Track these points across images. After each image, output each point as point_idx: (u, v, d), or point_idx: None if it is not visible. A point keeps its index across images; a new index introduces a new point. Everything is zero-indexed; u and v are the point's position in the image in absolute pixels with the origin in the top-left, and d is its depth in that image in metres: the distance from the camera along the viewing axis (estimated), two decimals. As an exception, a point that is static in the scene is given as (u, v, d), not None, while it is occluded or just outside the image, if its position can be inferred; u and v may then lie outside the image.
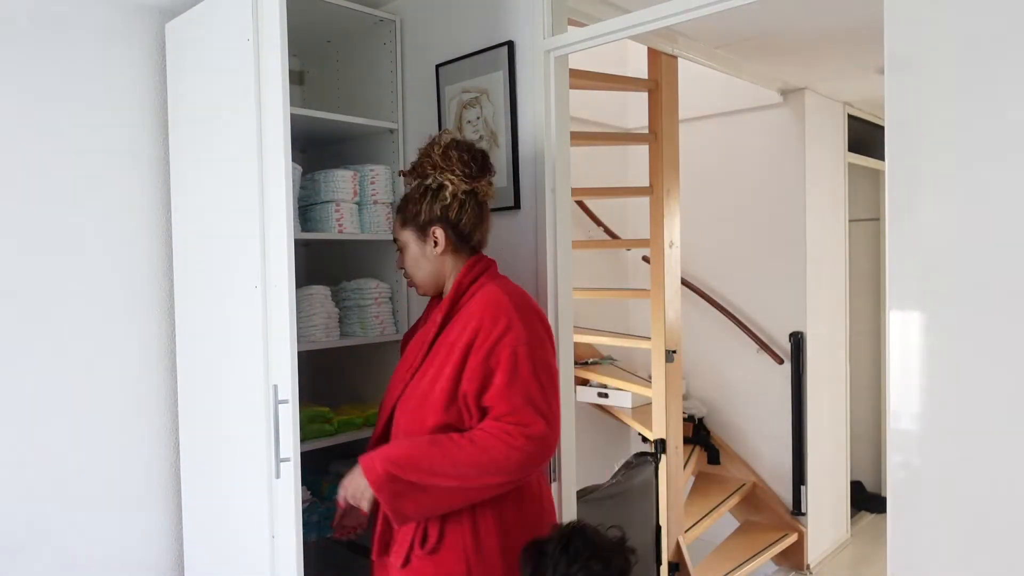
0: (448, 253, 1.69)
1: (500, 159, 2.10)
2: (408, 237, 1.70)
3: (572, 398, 2.10)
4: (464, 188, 1.65)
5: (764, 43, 2.93)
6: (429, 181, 1.67)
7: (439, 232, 1.66)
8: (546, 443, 1.51)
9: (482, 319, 1.55)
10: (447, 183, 1.65)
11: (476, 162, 1.67)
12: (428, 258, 1.69)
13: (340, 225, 2.21)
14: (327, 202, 2.20)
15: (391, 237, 2.32)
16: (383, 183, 2.32)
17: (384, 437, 1.70)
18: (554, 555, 1.34)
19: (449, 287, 1.69)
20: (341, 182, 2.21)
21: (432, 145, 1.69)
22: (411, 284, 1.76)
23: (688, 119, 3.54)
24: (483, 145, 2.14)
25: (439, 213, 1.66)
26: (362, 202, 2.29)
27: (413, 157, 2.36)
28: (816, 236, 3.71)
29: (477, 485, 1.50)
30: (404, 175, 1.75)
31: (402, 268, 1.76)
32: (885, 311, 1.46)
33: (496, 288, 1.60)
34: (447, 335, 1.62)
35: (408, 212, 1.70)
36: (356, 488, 1.58)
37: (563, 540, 1.36)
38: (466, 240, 1.69)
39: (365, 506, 1.57)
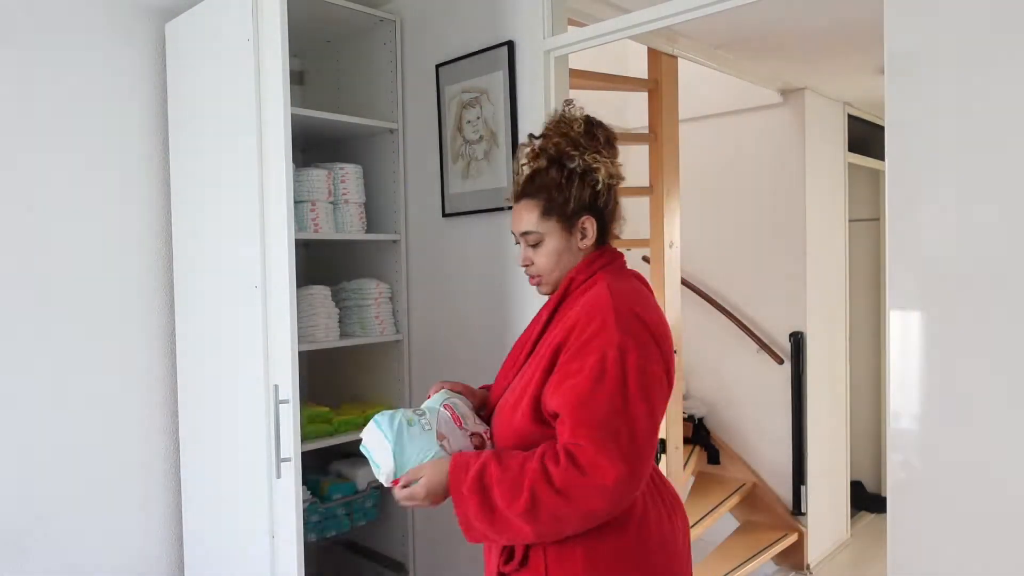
0: (589, 242, 1.45)
1: (500, 159, 2.10)
2: (550, 228, 1.43)
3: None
4: (613, 172, 1.44)
5: (764, 43, 2.93)
6: (574, 164, 1.42)
7: (589, 223, 1.43)
8: (618, 494, 1.23)
9: (578, 318, 1.34)
10: (599, 166, 1.42)
11: (614, 142, 1.48)
12: (573, 252, 1.45)
13: (315, 225, 2.20)
14: (302, 201, 2.19)
15: (365, 238, 2.32)
16: (353, 182, 2.31)
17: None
18: None
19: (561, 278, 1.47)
20: (316, 181, 2.21)
21: (566, 121, 1.45)
22: (535, 281, 1.49)
23: (688, 119, 3.54)
24: (483, 145, 2.14)
25: (588, 201, 1.43)
26: (335, 201, 2.28)
27: (414, 156, 2.39)
28: (816, 236, 3.71)
29: (549, 532, 1.27)
30: (532, 155, 1.48)
31: (528, 265, 1.48)
32: (885, 311, 1.46)
33: (604, 287, 1.36)
34: (549, 334, 1.41)
35: (552, 200, 1.42)
36: (433, 485, 1.32)
37: None
38: (606, 233, 1.48)
39: (425, 503, 1.33)
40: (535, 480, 1.24)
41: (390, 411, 1.37)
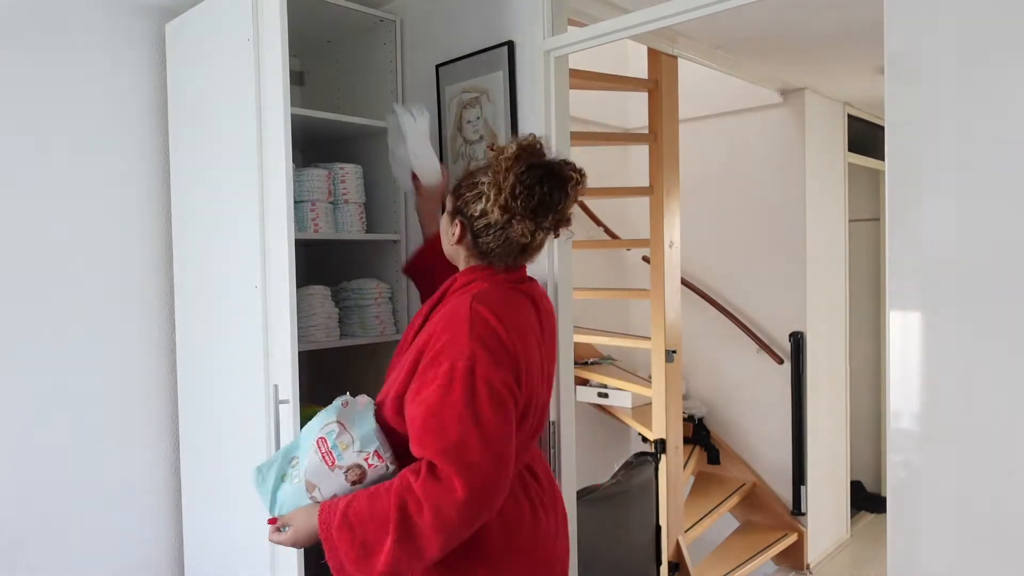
0: (463, 248, 1.52)
1: (500, 159, 2.10)
2: (447, 203, 1.57)
3: (572, 398, 2.10)
4: (496, 217, 1.43)
5: (764, 43, 2.93)
6: (479, 188, 1.47)
7: (459, 226, 1.51)
8: (472, 507, 1.25)
9: (437, 324, 1.39)
10: (484, 199, 1.45)
11: (530, 202, 1.40)
12: (447, 238, 1.56)
13: (316, 225, 2.20)
14: (302, 201, 2.18)
15: (365, 238, 2.33)
16: (353, 182, 2.31)
17: None
18: None
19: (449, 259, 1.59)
20: (316, 181, 2.20)
21: (507, 155, 1.43)
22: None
23: (688, 119, 3.54)
24: (483, 145, 2.14)
25: (469, 213, 1.49)
26: (335, 201, 2.28)
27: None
28: (816, 236, 3.71)
29: (422, 547, 1.28)
30: (490, 149, 1.53)
31: None
32: (885, 311, 1.46)
33: (469, 297, 1.40)
34: (422, 333, 1.45)
35: (458, 186, 1.54)
36: (299, 535, 1.40)
37: None
38: (483, 256, 1.51)
39: (297, 545, 1.42)
40: (400, 497, 1.27)
41: (267, 463, 1.46)
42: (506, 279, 1.50)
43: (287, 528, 1.41)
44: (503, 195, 1.40)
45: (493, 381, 1.30)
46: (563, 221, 1.48)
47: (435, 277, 1.72)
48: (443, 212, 1.59)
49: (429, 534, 1.25)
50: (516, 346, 1.37)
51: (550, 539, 1.50)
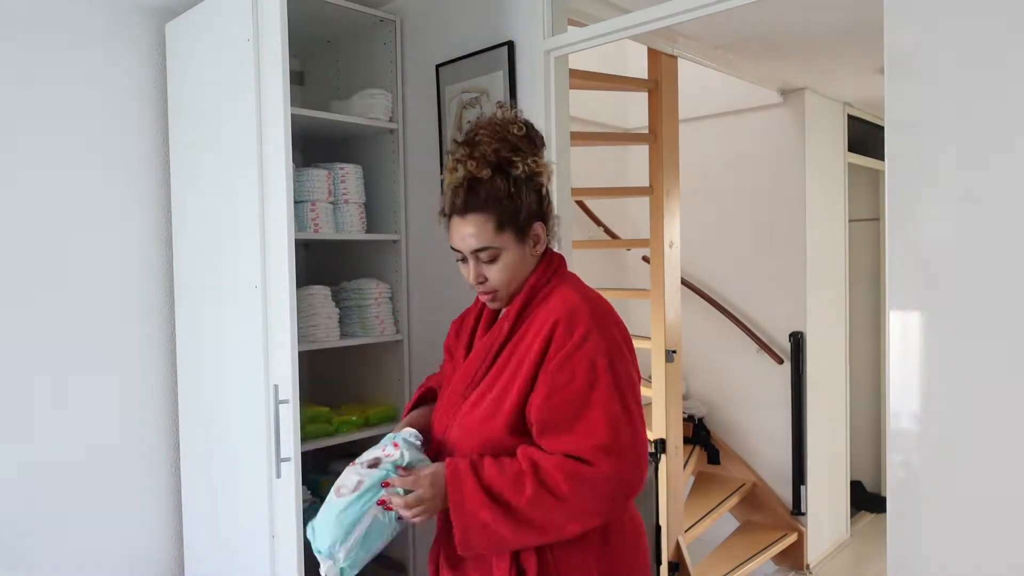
0: (539, 249, 1.39)
1: (500, 159, 2.10)
2: (506, 241, 1.33)
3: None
4: (551, 173, 1.38)
5: (764, 43, 2.93)
6: (519, 171, 1.33)
7: (540, 229, 1.37)
8: (621, 495, 1.24)
9: (555, 326, 1.28)
10: (541, 171, 1.35)
11: (544, 144, 1.39)
12: (527, 261, 1.37)
13: (316, 225, 2.20)
14: (302, 201, 2.19)
15: (365, 238, 2.32)
16: (353, 182, 2.31)
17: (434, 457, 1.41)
18: None
19: (515, 290, 1.39)
20: (316, 181, 2.21)
21: (503, 125, 1.34)
22: (489, 297, 1.39)
23: (688, 119, 3.54)
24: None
25: (536, 207, 1.36)
26: (335, 202, 2.28)
27: (414, 156, 2.39)
28: (816, 236, 3.71)
29: (554, 536, 1.24)
30: (468, 160, 1.33)
31: (482, 282, 1.37)
32: (885, 311, 1.46)
33: (572, 292, 1.33)
34: (516, 343, 1.34)
35: (504, 211, 1.32)
36: (428, 495, 1.26)
37: None
38: (551, 236, 1.42)
39: (422, 519, 1.27)
40: (538, 471, 1.22)
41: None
42: (566, 269, 1.44)
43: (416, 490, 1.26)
44: (542, 152, 1.36)
45: (631, 378, 1.28)
46: None
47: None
48: (485, 250, 1.34)
49: (566, 511, 1.22)
50: (630, 339, 1.34)
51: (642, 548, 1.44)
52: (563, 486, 1.21)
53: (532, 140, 1.36)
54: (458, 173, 1.34)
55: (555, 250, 1.46)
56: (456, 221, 1.34)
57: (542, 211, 1.38)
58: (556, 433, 1.25)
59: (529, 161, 1.34)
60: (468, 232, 1.33)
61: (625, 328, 1.34)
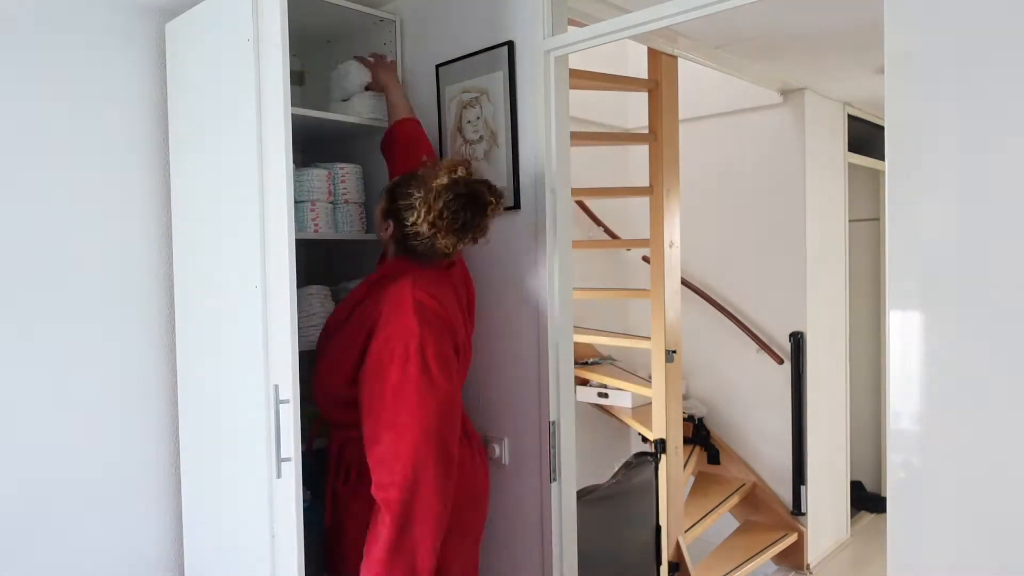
0: (392, 243, 1.86)
1: (500, 159, 2.10)
2: (381, 199, 1.90)
3: (572, 398, 2.11)
4: (424, 231, 1.75)
5: (764, 43, 2.93)
6: (411, 200, 1.76)
7: (391, 226, 1.84)
8: (418, 463, 1.63)
9: (384, 306, 1.73)
10: (415, 214, 1.75)
11: (456, 223, 1.73)
12: (379, 230, 1.90)
13: (316, 225, 2.20)
14: (302, 201, 2.19)
15: (365, 238, 2.34)
16: (353, 182, 2.31)
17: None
18: None
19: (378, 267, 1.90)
20: (316, 181, 2.21)
21: (432, 180, 1.74)
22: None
23: (688, 119, 3.54)
24: (483, 145, 2.14)
25: (401, 218, 1.80)
26: (335, 202, 2.28)
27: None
28: (816, 236, 3.71)
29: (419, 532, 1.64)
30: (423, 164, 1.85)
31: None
32: (885, 311, 1.46)
33: (408, 285, 1.74)
34: (362, 311, 1.80)
35: (393, 191, 1.85)
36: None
37: None
38: (411, 253, 1.82)
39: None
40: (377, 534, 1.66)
41: None
42: (433, 266, 1.83)
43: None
44: (432, 215, 1.71)
45: (442, 355, 1.68)
46: (481, 236, 1.80)
47: (396, 148, 2.16)
48: (379, 204, 1.89)
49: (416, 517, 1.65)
50: (449, 319, 1.75)
51: (479, 472, 1.90)
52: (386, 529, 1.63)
53: (437, 208, 1.75)
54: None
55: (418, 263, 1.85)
56: None
57: (402, 226, 1.80)
58: (366, 412, 1.72)
59: (417, 207, 1.76)
60: None
61: (446, 309, 1.76)
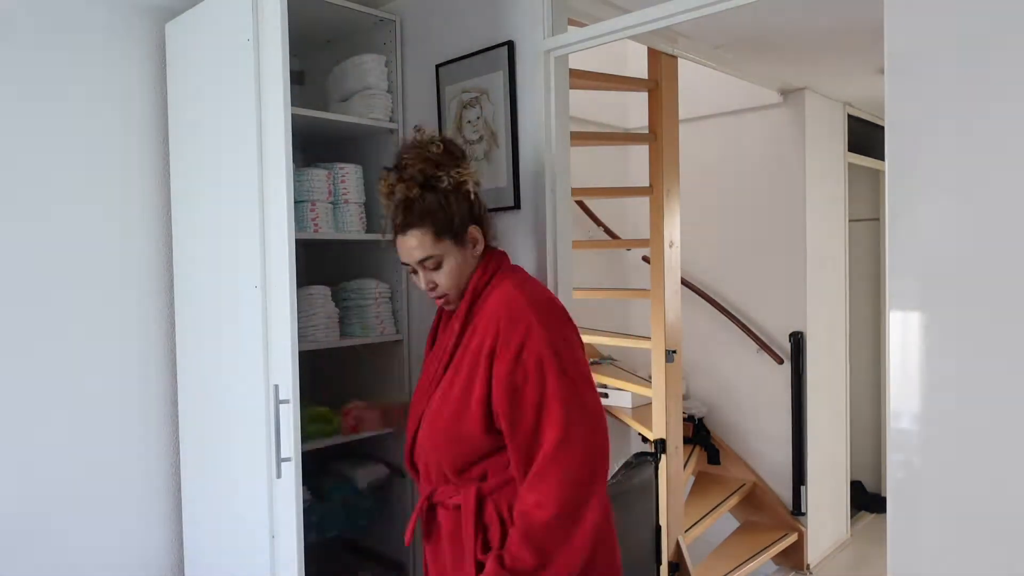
0: (480, 247, 1.58)
1: (500, 159, 2.10)
2: (446, 248, 1.52)
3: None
4: (477, 179, 1.55)
5: (764, 43, 2.93)
6: (445, 184, 1.51)
7: (476, 231, 1.55)
8: (591, 463, 1.38)
9: (499, 321, 1.44)
10: (466, 178, 1.52)
11: (465, 154, 1.58)
12: (469, 262, 1.56)
13: (316, 225, 2.20)
14: (302, 201, 2.19)
15: (365, 238, 2.33)
16: (353, 182, 2.31)
17: (412, 449, 1.64)
18: None
19: (465, 289, 1.57)
20: (316, 181, 2.21)
21: (423, 145, 1.53)
22: (442, 300, 1.59)
23: (688, 119, 3.54)
24: (483, 145, 2.14)
25: (468, 212, 1.54)
26: (335, 202, 2.28)
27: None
28: (816, 236, 3.71)
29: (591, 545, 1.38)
30: (399, 184, 1.52)
31: (433, 288, 1.57)
32: (885, 311, 1.46)
33: (510, 287, 1.49)
34: (468, 342, 1.51)
35: (439, 221, 1.50)
36: None
37: None
38: (487, 236, 1.59)
39: None
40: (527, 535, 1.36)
41: None
42: (509, 262, 1.62)
43: None
44: (463, 162, 1.54)
45: (577, 359, 1.43)
46: None
47: None
48: (429, 259, 1.53)
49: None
50: (568, 314, 1.51)
51: None
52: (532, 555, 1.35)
53: (452, 153, 1.54)
54: (394, 196, 1.53)
55: (497, 247, 1.64)
56: (400, 238, 1.54)
57: (474, 215, 1.55)
58: (520, 433, 1.40)
59: (452, 173, 1.52)
60: (412, 246, 1.52)
61: (566, 313, 1.50)
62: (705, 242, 3.95)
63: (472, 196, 1.54)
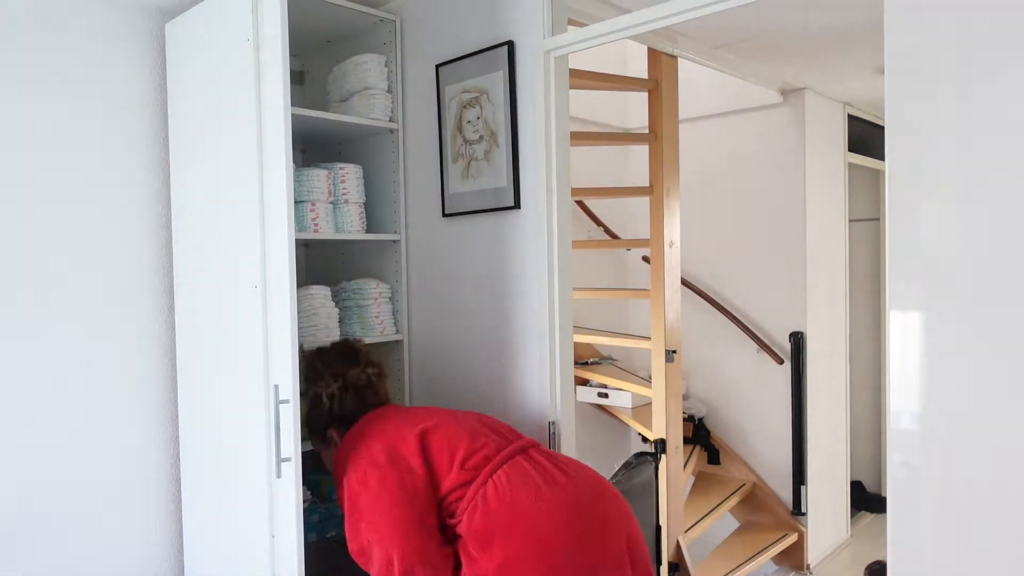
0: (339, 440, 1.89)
1: (500, 159, 2.10)
2: (318, 446, 1.99)
3: (572, 398, 2.11)
4: (335, 388, 1.88)
5: (764, 43, 2.93)
6: (310, 394, 1.90)
7: (335, 433, 1.89)
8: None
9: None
10: (320, 390, 1.89)
11: (341, 359, 1.91)
12: (332, 456, 1.91)
13: (316, 225, 2.21)
14: (302, 201, 2.19)
15: (365, 238, 2.35)
16: (353, 182, 2.31)
17: None
18: None
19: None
20: (316, 181, 2.21)
21: (309, 360, 1.94)
22: None
23: (688, 119, 3.54)
24: (483, 145, 2.14)
25: (326, 418, 1.90)
26: (335, 201, 2.28)
27: (414, 156, 2.39)
28: (816, 236, 3.71)
29: None
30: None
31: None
32: (885, 311, 1.46)
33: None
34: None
35: (311, 427, 1.94)
36: None
37: None
38: (352, 422, 1.86)
39: None
40: None
41: None
42: (355, 433, 1.88)
43: None
44: (325, 375, 1.93)
45: (365, 481, 1.70)
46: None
47: None
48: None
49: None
50: (389, 446, 1.75)
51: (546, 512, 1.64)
52: None
53: (315, 369, 1.96)
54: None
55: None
56: None
57: (332, 418, 1.90)
58: None
59: (311, 387, 1.92)
60: None
61: (385, 441, 1.73)
62: (705, 242, 3.95)
63: (326, 404, 1.90)
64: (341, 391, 1.89)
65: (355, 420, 1.86)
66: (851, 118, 3.99)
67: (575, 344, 2.19)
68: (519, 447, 1.69)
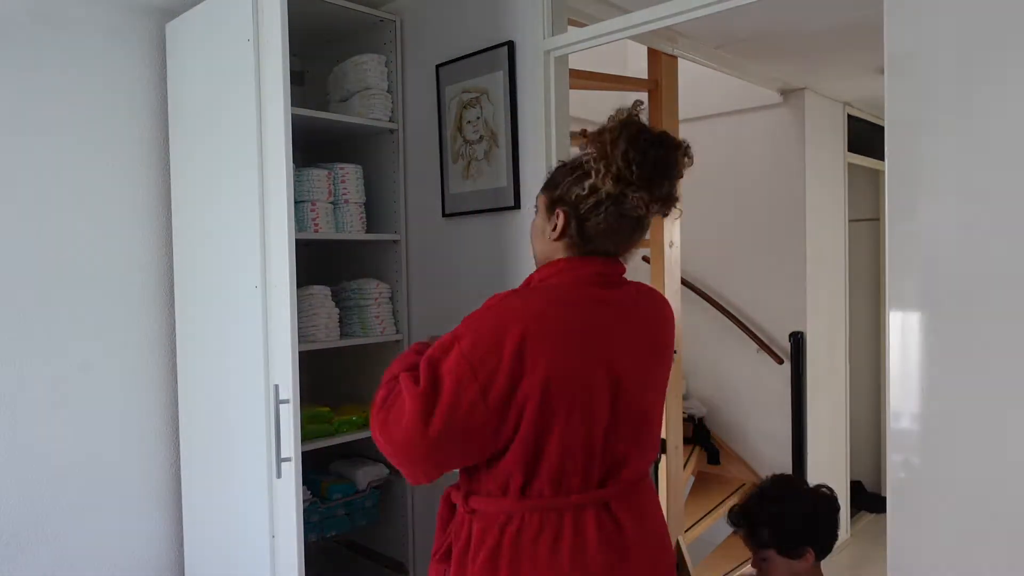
0: (563, 242, 1.37)
1: (500, 159, 2.10)
2: (540, 202, 1.41)
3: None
4: (609, 190, 1.32)
5: (764, 43, 2.93)
6: (585, 160, 1.34)
7: (560, 217, 1.35)
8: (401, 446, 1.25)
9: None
10: (594, 173, 1.32)
11: (645, 167, 1.31)
12: (543, 238, 1.40)
13: (316, 225, 2.21)
14: (302, 201, 2.19)
15: (365, 238, 2.34)
16: (353, 182, 2.31)
17: None
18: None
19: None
20: (316, 181, 2.21)
21: (612, 124, 1.32)
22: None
23: (688, 119, 3.54)
24: (483, 145, 2.14)
25: (573, 196, 1.35)
26: (335, 201, 2.28)
27: (414, 156, 2.39)
28: (816, 236, 3.71)
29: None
30: (584, 137, 1.38)
31: None
32: (885, 311, 1.46)
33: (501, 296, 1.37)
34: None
35: (552, 178, 1.40)
36: None
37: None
38: (588, 242, 1.37)
39: None
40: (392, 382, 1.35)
41: None
42: (592, 278, 1.37)
43: None
44: (615, 165, 1.29)
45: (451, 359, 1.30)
46: (675, 194, 1.38)
47: None
48: (540, 201, 1.41)
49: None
50: (527, 351, 1.25)
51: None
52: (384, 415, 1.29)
53: (616, 148, 1.31)
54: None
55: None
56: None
57: (575, 208, 1.35)
58: None
59: (593, 160, 1.33)
60: None
61: (513, 333, 1.28)
62: (705, 242, 3.95)
63: (586, 192, 1.37)
64: (609, 201, 1.34)
65: (588, 243, 1.37)
66: (851, 118, 3.99)
67: (575, 344, 2.19)
68: (606, 496, 1.30)
